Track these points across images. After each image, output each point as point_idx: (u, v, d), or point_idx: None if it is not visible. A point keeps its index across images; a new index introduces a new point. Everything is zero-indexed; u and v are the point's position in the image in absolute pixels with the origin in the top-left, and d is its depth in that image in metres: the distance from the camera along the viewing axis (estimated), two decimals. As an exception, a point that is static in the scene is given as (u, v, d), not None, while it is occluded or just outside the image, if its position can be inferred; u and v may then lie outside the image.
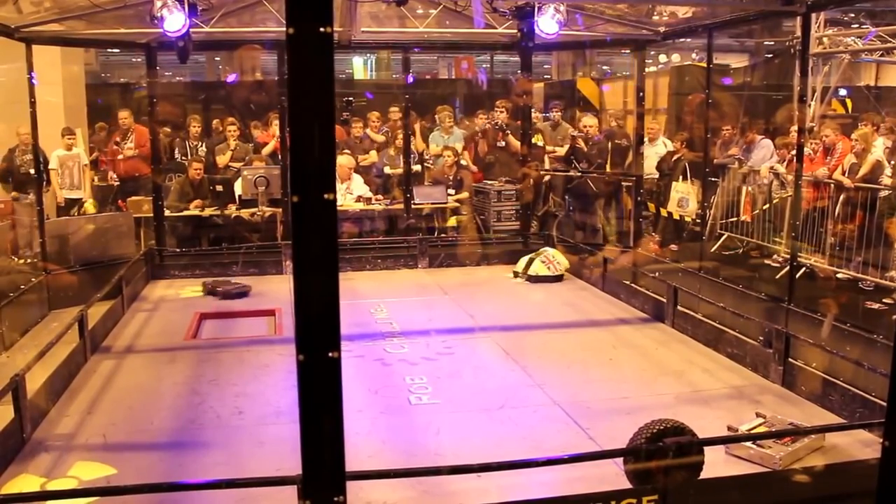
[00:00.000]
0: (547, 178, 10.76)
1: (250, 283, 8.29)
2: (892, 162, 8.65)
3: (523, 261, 8.82)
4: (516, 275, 8.77)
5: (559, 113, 11.58)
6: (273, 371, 5.65)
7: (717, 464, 3.84)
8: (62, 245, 8.19)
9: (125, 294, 7.38)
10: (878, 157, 8.80)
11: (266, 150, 10.33)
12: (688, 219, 10.64)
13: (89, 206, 10.33)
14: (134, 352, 6.30)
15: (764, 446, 4.14)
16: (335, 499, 1.99)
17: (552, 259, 8.75)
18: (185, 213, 9.62)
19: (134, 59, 20.65)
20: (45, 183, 9.20)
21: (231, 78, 14.60)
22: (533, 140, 10.42)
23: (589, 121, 10.93)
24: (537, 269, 8.64)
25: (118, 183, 10.59)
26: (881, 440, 2.20)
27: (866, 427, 4.35)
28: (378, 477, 3.60)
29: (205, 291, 8.08)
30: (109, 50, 19.94)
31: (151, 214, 9.15)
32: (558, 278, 8.61)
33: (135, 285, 7.96)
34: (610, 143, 10.63)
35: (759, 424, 4.48)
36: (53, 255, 8.05)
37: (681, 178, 10.66)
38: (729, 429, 4.41)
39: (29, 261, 8.77)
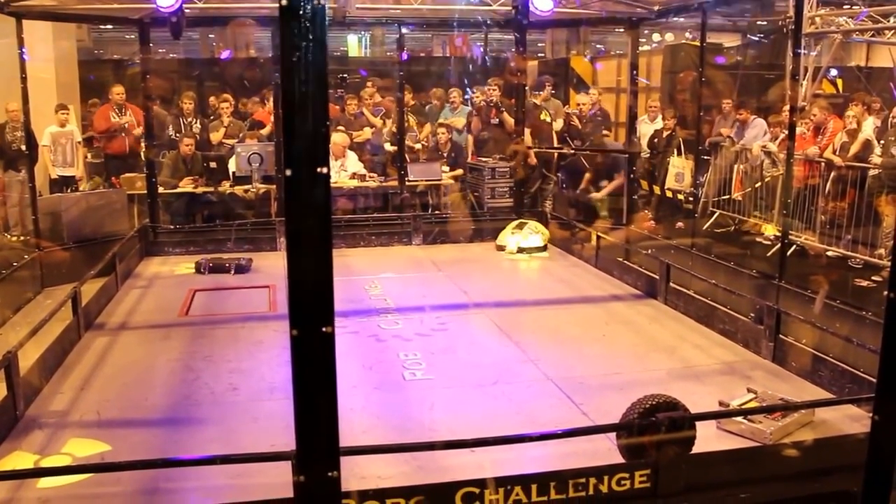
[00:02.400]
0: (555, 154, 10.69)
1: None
2: (882, 141, 8.69)
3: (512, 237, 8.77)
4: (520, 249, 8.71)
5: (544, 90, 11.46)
6: (267, 347, 5.66)
7: (708, 438, 3.89)
8: (55, 222, 8.15)
9: (119, 271, 7.36)
10: (868, 135, 8.85)
11: (266, 131, 10.28)
12: (680, 196, 10.67)
13: (88, 184, 10.28)
14: (128, 328, 6.30)
15: (755, 421, 4.18)
16: (329, 474, 2.00)
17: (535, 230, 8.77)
18: (179, 189, 9.58)
19: (127, 36, 20.43)
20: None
21: (225, 54, 14.49)
22: (542, 117, 10.41)
23: (583, 98, 10.90)
24: (529, 239, 8.62)
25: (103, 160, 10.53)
26: (870, 415, 2.22)
27: (855, 402, 4.40)
28: (372, 452, 3.63)
29: (197, 270, 7.96)
30: (102, 26, 19.69)
31: (145, 191, 9.11)
32: (542, 248, 8.66)
33: (129, 262, 7.94)
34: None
35: (751, 400, 4.53)
36: (46, 232, 8.01)
37: (675, 153, 10.68)
38: (720, 404, 4.45)
39: (17, 238, 8.74)
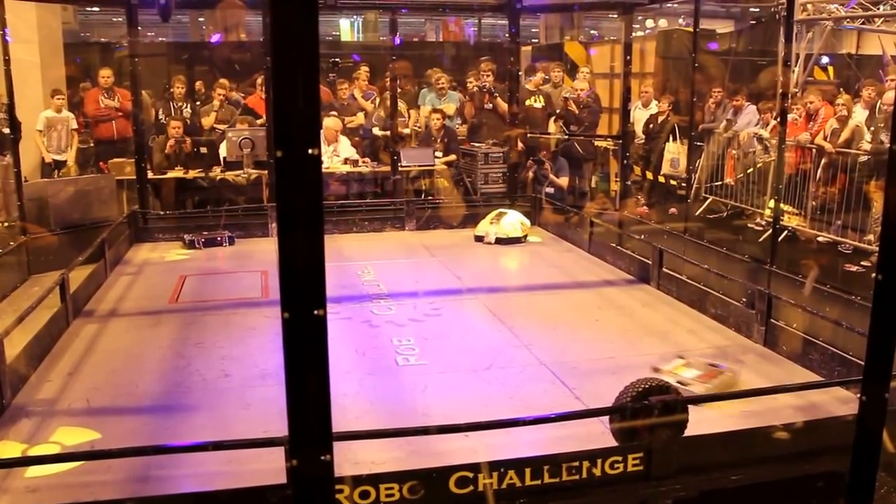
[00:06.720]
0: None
1: (235, 245, 8.34)
2: (871, 128, 8.72)
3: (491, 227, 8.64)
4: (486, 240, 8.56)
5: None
6: (259, 333, 5.63)
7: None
8: (41, 207, 8.06)
9: (108, 257, 7.29)
10: (858, 122, 8.87)
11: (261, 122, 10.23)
12: (674, 182, 10.67)
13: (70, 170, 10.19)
14: (117, 315, 6.24)
15: (688, 386, 4.39)
16: (322, 457, 1.98)
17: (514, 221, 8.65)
18: (169, 175, 9.51)
19: (114, 19, 20.26)
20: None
21: (214, 38, 14.36)
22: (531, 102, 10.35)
23: (580, 84, 10.86)
24: (507, 230, 8.53)
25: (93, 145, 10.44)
26: (858, 396, 2.23)
27: (844, 384, 4.43)
28: (366, 437, 3.61)
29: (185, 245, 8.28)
30: (88, 7, 19.49)
31: (134, 177, 9.03)
32: (520, 240, 8.53)
33: (118, 248, 7.87)
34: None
35: (680, 365, 4.71)
36: (33, 217, 7.92)
37: (670, 138, 10.67)
38: (653, 370, 4.54)
39: (2, 223, 8.65)
